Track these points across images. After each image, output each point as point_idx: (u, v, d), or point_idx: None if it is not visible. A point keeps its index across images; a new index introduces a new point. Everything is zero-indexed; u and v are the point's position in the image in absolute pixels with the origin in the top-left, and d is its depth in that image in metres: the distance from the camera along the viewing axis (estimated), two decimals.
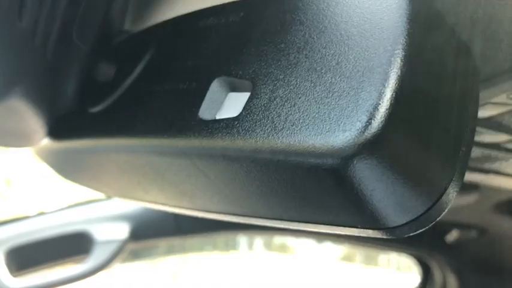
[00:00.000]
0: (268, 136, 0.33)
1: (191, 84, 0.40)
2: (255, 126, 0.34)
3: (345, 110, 0.30)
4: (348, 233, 0.36)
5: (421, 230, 0.34)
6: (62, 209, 1.39)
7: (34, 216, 1.36)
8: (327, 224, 0.36)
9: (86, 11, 0.45)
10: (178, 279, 2.86)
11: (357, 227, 0.34)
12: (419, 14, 0.32)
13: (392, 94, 0.30)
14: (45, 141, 0.55)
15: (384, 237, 0.34)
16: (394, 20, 0.32)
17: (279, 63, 0.35)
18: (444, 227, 1.61)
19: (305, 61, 0.34)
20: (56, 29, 0.43)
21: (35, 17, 0.40)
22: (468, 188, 1.07)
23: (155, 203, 0.50)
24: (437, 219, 0.34)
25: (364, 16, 0.33)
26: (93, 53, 0.49)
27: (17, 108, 0.43)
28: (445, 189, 0.33)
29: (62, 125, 0.52)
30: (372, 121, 0.29)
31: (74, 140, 0.51)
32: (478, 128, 0.60)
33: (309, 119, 0.32)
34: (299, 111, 0.32)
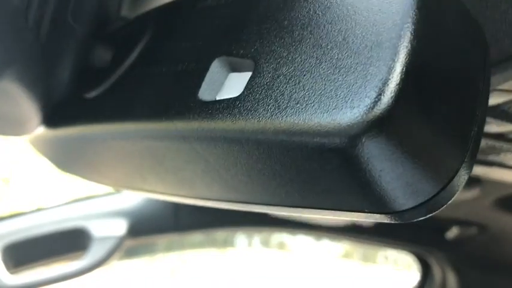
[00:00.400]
0: (271, 115, 0.32)
1: (190, 65, 0.39)
2: (257, 105, 0.33)
3: (353, 86, 0.29)
4: (354, 218, 0.34)
5: (430, 215, 0.32)
6: (59, 205, 1.39)
7: (31, 212, 1.36)
8: (332, 209, 0.34)
9: None
10: (177, 276, 2.85)
11: (364, 212, 0.33)
12: None
13: (402, 69, 0.28)
14: (41, 130, 0.53)
15: (392, 221, 0.32)
16: None
17: (282, 40, 0.34)
18: (444, 224, 1.61)
19: (310, 37, 0.33)
20: (50, 10, 0.41)
21: None
22: (470, 182, 1.06)
23: (154, 192, 0.49)
24: (448, 202, 0.32)
25: None
26: (89, 37, 0.47)
27: (10, 91, 0.42)
28: (457, 171, 0.31)
29: (57, 112, 0.51)
30: (381, 97, 0.28)
31: (70, 127, 0.50)
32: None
33: (315, 96, 0.30)
34: (304, 89, 0.31)
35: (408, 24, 0.29)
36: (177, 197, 0.46)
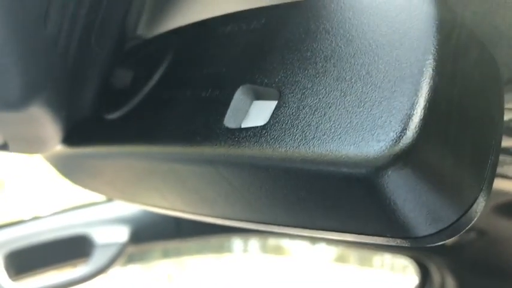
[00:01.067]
0: (299, 145, 0.33)
1: (214, 92, 0.40)
2: (284, 135, 0.34)
3: (378, 119, 0.31)
4: (374, 242, 0.36)
5: (448, 240, 0.34)
6: (61, 212, 1.39)
7: (33, 219, 1.36)
8: (354, 233, 0.36)
9: (105, 16, 0.45)
10: (175, 281, 2.86)
11: (385, 236, 0.34)
12: (447, 23, 0.32)
13: (425, 104, 0.30)
14: (58, 147, 0.55)
15: (412, 246, 0.34)
16: (423, 29, 0.32)
17: (306, 71, 0.35)
18: None
19: (333, 70, 0.34)
20: (77, 35, 0.43)
21: (59, 25, 0.40)
22: None
23: (173, 209, 0.50)
24: (466, 228, 0.34)
25: (392, 25, 0.33)
26: (111, 59, 0.49)
27: (37, 116, 0.43)
28: (476, 199, 0.33)
29: (78, 132, 0.52)
30: (406, 131, 0.29)
31: (91, 146, 0.51)
32: None
33: (341, 128, 0.32)
34: (330, 121, 0.32)
35: (430, 60, 0.31)
36: (197, 215, 0.48)
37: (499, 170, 0.75)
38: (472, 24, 0.45)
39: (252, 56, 0.40)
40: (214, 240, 2.03)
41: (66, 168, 0.62)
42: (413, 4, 0.33)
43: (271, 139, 0.35)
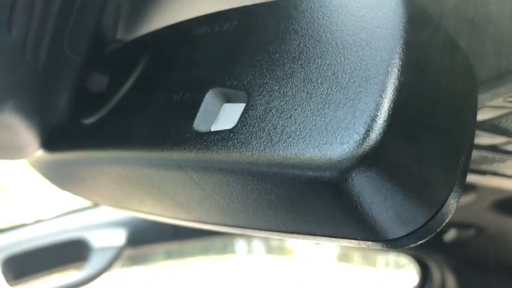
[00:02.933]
0: (265, 149, 0.32)
1: (185, 95, 0.40)
2: (250, 138, 0.33)
3: (342, 121, 0.30)
4: (347, 245, 0.35)
5: (421, 241, 0.33)
6: (58, 217, 1.39)
7: (30, 224, 1.36)
8: (326, 236, 0.35)
9: (77, 21, 0.44)
10: (179, 282, 2.85)
11: (356, 239, 0.34)
12: (415, 22, 0.32)
13: (390, 105, 0.29)
14: (40, 153, 0.54)
15: (384, 248, 0.33)
16: (390, 28, 0.31)
17: (274, 73, 0.35)
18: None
19: (301, 71, 0.34)
20: (46, 40, 0.42)
21: (25, 29, 0.39)
22: (465, 188, 1.07)
23: (151, 214, 0.49)
24: (438, 229, 0.33)
25: (359, 25, 0.33)
26: (86, 64, 0.48)
27: (9, 123, 0.43)
28: (446, 200, 0.32)
29: (56, 137, 0.52)
30: (370, 133, 0.29)
31: (68, 151, 0.50)
32: (476, 131, 0.59)
33: (306, 131, 0.31)
34: (295, 123, 0.32)
35: (395, 60, 0.30)
36: (174, 219, 0.47)
37: (490, 167, 0.74)
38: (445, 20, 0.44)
39: (223, 58, 0.39)
40: (214, 241, 2.03)
41: (50, 173, 0.62)
42: (381, 3, 0.33)
43: (238, 143, 0.34)
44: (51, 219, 1.37)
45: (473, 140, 0.34)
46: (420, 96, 0.31)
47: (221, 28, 0.42)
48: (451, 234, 1.62)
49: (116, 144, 0.44)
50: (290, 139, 0.31)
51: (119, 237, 1.36)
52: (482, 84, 0.48)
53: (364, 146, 0.29)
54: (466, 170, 0.33)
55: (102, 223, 1.38)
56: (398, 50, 0.30)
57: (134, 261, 1.89)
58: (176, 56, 0.44)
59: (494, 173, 0.78)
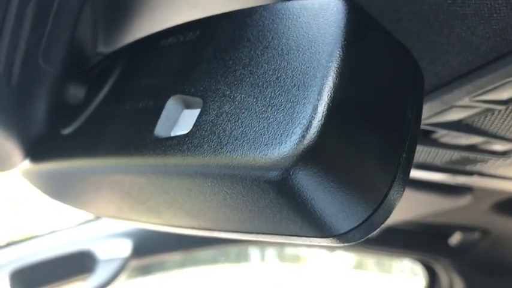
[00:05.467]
0: (214, 151, 0.34)
1: (149, 103, 0.41)
2: (203, 142, 0.35)
3: (282, 123, 0.32)
4: (300, 243, 0.36)
5: (370, 235, 0.35)
6: (64, 229, 1.41)
7: (37, 237, 1.38)
8: (280, 235, 0.37)
9: (51, 35, 0.46)
10: None
11: (306, 236, 0.35)
12: (355, 26, 0.33)
13: (326, 106, 0.31)
14: (28, 164, 0.56)
15: (333, 245, 0.35)
16: (329, 33, 0.33)
17: (227, 79, 0.37)
18: (446, 230, 1.61)
19: (249, 77, 0.35)
20: (20, 55, 0.44)
21: None
22: (461, 190, 1.07)
23: (130, 220, 0.51)
24: (384, 222, 0.35)
25: (303, 31, 0.34)
26: (64, 76, 0.50)
27: None
28: (386, 194, 0.34)
29: (40, 147, 0.54)
30: (306, 133, 0.30)
31: (50, 161, 0.52)
32: (451, 132, 0.60)
33: (251, 133, 0.33)
34: (242, 126, 0.33)
35: (332, 63, 0.31)
36: (149, 224, 0.49)
37: (475, 168, 0.75)
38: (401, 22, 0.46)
39: (184, 66, 0.41)
40: (218, 250, 2.04)
41: (39, 183, 0.63)
42: (323, 10, 0.34)
43: (192, 146, 0.36)
44: (56, 231, 1.39)
45: (416, 137, 0.35)
46: (358, 96, 0.32)
47: (185, 38, 0.44)
48: (456, 238, 1.62)
49: (89, 153, 0.46)
50: (237, 141, 0.33)
51: (125, 248, 1.37)
52: (446, 84, 0.50)
53: (301, 145, 0.30)
54: (409, 167, 0.35)
55: (107, 234, 1.39)
56: (336, 53, 0.32)
57: (148, 270, 1.91)
58: (144, 66, 0.46)
59: (481, 174, 0.79)
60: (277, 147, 0.31)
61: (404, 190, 0.34)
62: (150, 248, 1.43)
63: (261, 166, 0.32)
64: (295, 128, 0.31)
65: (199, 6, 0.55)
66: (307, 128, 0.30)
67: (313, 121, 0.30)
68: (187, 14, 0.50)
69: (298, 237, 0.36)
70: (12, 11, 0.42)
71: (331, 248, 1.54)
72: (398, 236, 1.58)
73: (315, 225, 0.33)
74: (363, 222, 0.33)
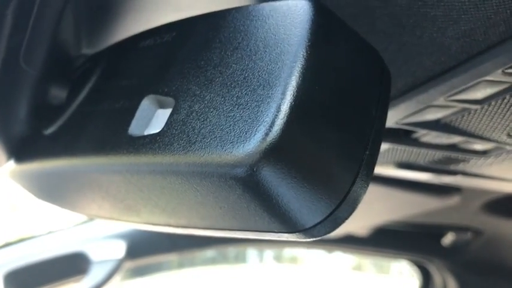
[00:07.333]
0: (184, 149, 0.35)
1: (125, 103, 0.42)
2: (173, 140, 0.36)
3: (247, 121, 0.33)
4: (269, 238, 0.37)
5: (335, 229, 0.36)
6: (58, 231, 1.41)
7: (30, 238, 1.38)
8: (250, 231, 0.38)
9: (32, 37, 0.47)
10: None
11: (274, 232, 0.36)
12: (321, 26, 0.34)
13: (288, 105, 0.32)
14: (13, 164, 0.57)
15: (301, 240, 0.36)
16: (295, 34, 0.34)
17: (198, 79, 0.37)
18: (439, 231, 1.62)
19: (219, 77, 0.36)
20: (1, 55, 0.45)
21: None
22: (449, 190, 1.08)
23: (110, 218, 0.52)
24: (348, 217, 0.35)
25: (271, 32, 0.35)
26: (46, 77, 0.51)
27: None
28: (349, 190, 0.34)
29: (23, 148, 0.54)
30: (269, 132, 0.31)
31: (33, 161, 0.53)
32: (431, 131, 0.61)
33: (218, 131, 0.34)
34: (210, 125, 0.34)
35: (296, 64, 0.32)
36: (130, 223, 0.49)
37: (458, 167, 0.76)
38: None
39: (159, 67, 0.42)
40: (211, 251, 2.05)
41: (25, 183, 0.64)
42: (291, 12, 0.35)
43: (163, 145, 0.37)
44: (50, 233, 1.40)
45: (381, 134, 0.36)
46: (322, 95, 0.33)
47: (162, 39, 0.45)
48: (448, 239, 1.63)
49: (69, 152, 0.47)
50: (205, 139, 0.34)
51: (119, 249, 1.38)
52: (420, 84, 0.51)
53: (264, 143, 0.31)
54: (372, 163, 0.35)
55: (101, 236, 1.40)
56: (300, 54, 0.33)
57: (145, 271, 1.91)
58: (124, 67, 0.47)
59: (464, 173, 0.79)
60: (242, 145, 0.32)
61: (368, 186, 0.35)
62: (144, 249, 1.44)
63: (227, 163, 0.32)
64: (259, 126, 0.32)
65: (182, 8, 0.56)
66: (271, 126, 0.31)
67: (276, 119, 0.31)
68: (169, 17, 0.51)
69: (267, 233, 0.37)
70: None
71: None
72: (391, 237, 1.59)
73: (280, 221, 0.34)
74: (327, 217, 0.34)
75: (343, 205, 0.34)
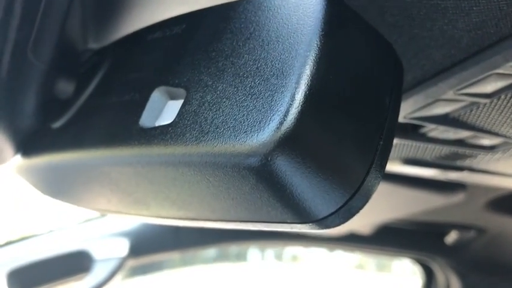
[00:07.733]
0: (196, 140, 0.35)
1: (135, 95, 0.42)
2: (185, 131, 0.36)
3: (261, 111, 0.32)
4: (282, 229, 0.37)
5: (349, 220, 0.35)
6: (61, 229, 1.41)
7: (34, 236, 1.38)
8: (262, 222, 0.37)
9: (40, 30, 0.47)
10: None
11: (287, 222, 0.36)
12: (334, 16, 0.34)
13: (303, 94, 0.31)
14: (20, 159, 0.57)
15: (314, 230, 0.35)
16: (308, 24, 0.34)
17: (209, 70, 0.37)
18: (442, 229, 1.62)
19: (231, 67, 0.36)
20: (9, 48, 0.45)
21: None
22: (454, 187, 1.08)
23: (119, 212, 0.52)
24: (362, 207, 0.35)
25: (283, 22, 0.35)
26: (53, 71, 0.51)
27: None
28: (364, 180, 0.34)
29: (31, 142, 0.54)
30: (284, 121, 0.31)
31: (40, 156, 0.53)
32: (439, 126, 0.61)
33: (231, 121, 0.34)
34: (223, 115, 0.34)
35: (310, 53, 0.32)
36: (138, 216, 0.49)
37: (465, 163, 0.75)
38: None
39: (169, 59, 0.42)
40: (216, 249, 2.04)
41: (31, 178, 0.64)
42: (304, 2, 0.35)
43: (175, 135, 0.36)
44: (54, 231, 1.40)
45: (395, 125, 0.36)
46: (336, 84, 0.33)
47: (171, 32, 0.45)
48: (452, 237, 1.63)
49: (77, 146, 0.47)
50: (218, 129, 0.34)
51: (122, 247, 1.38)
52: (429, 78, 0.50)
53: (278, 132, 0.31)
54: (386, 153, 0.35)
55: (104, 234, 1.40)
56: (313, 43, 0.33)
57: (149, 269, 1.91)
58: (132, 60, 0.47)
59: (471, 169, 0.79)
60: (256, 134, 0.32)
61: (382, 176, 0.35)
62: (147, 247, 1.43)
63: (240, 153, 0.32)
64: (273, 115, 0.32)
65: (188, 2, 0.56)
66: (285, 115, 0.31)
67: (290, 108, 0.31)
68: (176, 10, 0.51)
69: (280, 224, 0.36)
70: (1, 4, 0.42)
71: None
72: (394, 235, 1.59)
73: (294, 211, 0.34)
74: (341, 207, 0.34)
75: (357, 195, 0.34)
